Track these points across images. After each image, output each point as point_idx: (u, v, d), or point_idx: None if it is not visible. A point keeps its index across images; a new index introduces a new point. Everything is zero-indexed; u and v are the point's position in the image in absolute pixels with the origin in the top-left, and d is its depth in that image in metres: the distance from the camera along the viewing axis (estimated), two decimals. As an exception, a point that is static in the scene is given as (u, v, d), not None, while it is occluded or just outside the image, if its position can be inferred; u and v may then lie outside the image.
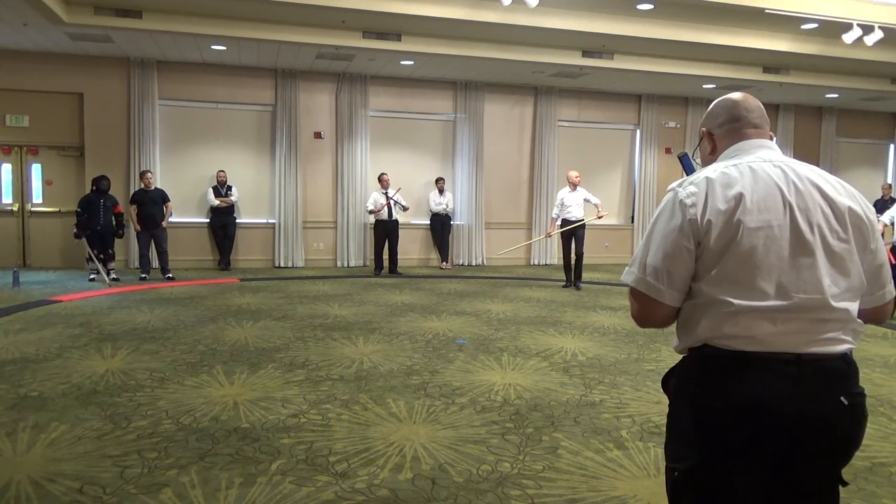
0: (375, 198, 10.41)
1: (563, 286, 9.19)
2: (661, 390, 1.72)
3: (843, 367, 1.50)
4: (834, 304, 1.47)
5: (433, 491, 2.90)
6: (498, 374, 4.76)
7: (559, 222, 9.08)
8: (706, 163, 1.71)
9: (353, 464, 3.16)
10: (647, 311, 1.57)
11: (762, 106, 1.70)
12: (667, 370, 1.69)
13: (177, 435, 3.47)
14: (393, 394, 4.24)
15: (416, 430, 3.62)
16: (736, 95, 1.71)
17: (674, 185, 1.57)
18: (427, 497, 2.85)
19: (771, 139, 1.66)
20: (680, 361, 1.63)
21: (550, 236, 9.45)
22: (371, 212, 10.43)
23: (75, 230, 8.82)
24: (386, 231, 10.39)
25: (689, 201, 1.50)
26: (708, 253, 1.48)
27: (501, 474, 3.08)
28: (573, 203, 8.95)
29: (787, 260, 1.46)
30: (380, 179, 10.49)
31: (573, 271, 9.10)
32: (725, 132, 1.67)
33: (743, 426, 1.45)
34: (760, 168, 1.53)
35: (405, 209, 10.52)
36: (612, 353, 5.46)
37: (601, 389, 4.45)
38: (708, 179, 1.52)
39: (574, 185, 9.01)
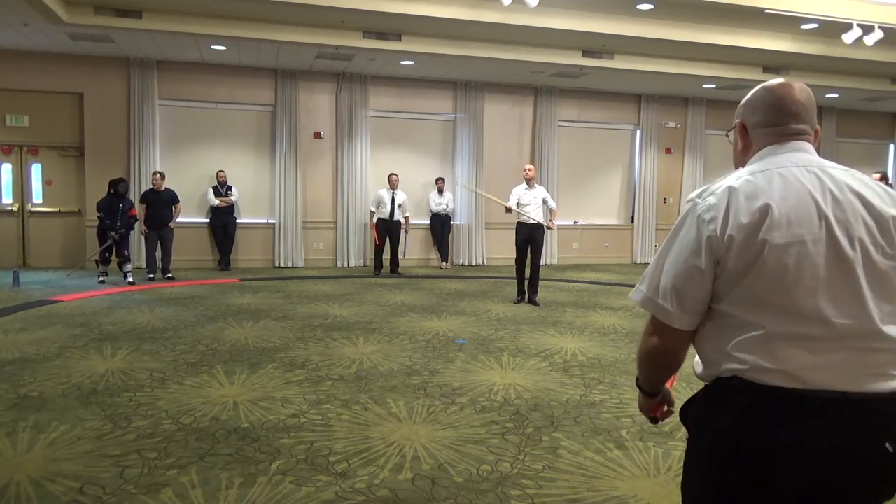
0: (380, 196, 10.42)
1: (516, 301, 7.84)
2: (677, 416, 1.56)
3: (893, 409, 1.30)
4: (884, 330, 1.29)
5: (433, 491, 2.90)
6: (498, 374, 4.76)
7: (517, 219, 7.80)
8: (736, 160, 1.57)
9: (353, 464, 3.16)
10: (655, 333, 1.44)
11: (812, 97, 1.48)
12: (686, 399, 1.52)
13: (177, 435, 3.47)
14: (393, 394, 4.24)
15: (416, 430, 3.62)
16: (780, 88, 1.47)
17: (693, 195, 1.41)
18: (427, 497, 2.85)
19: (817, 135, 1.48)
20: (703, 390, 1.45)
21: (510, 211, 7.71)
22: (373, 212, 10.48)
23: (104, 233, 8.82)
24: (387, 229, 10.40)
25: (707, 216, 1.34)
26: (729, 272, 1.33)
27: (501, 474, 3.08)
28: (530, 202, 7.66)
29: (824, 280, 1.29)
30: (389, 179, 10.48)
31: (528, 283, 7.86)
32: (761, 133, 1.48)
33: (773, 471, 1.29)
34: (791, 174, 1.36)
35: (405, 219, 10.61)
36: (612, 353, 5.46)
37: (601, 389, 4.45)
38: (730, 189, 1.35)
39: (529, 181, 7.73)
